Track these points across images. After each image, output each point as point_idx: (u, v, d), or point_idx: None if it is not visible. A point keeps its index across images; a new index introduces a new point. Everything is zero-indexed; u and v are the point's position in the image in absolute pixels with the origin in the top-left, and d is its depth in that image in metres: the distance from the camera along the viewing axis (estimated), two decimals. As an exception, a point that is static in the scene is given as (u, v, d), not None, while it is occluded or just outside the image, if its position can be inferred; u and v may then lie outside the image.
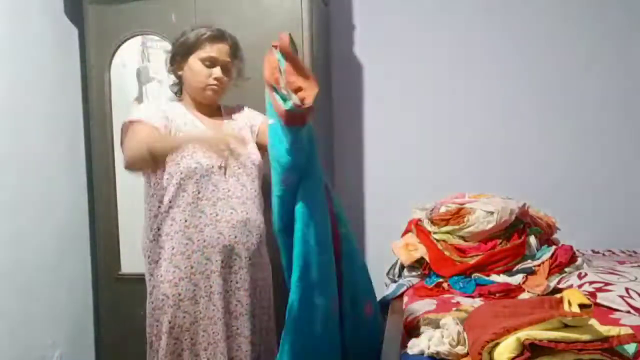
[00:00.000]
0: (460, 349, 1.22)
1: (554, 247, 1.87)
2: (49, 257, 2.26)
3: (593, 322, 1.05)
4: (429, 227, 1.95)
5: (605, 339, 1.03)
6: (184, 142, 1.59)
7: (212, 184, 1.67)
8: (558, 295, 1.18)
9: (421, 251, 1.93)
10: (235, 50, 1.75)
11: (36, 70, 2.21)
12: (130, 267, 2.41)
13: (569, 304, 1.10)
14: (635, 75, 2.51)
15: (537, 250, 1.86)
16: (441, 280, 1.82)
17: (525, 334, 1.04)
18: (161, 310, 1.71)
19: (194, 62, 1.70)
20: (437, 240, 1.90)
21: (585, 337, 1.03)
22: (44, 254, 2.23)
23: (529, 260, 1.81)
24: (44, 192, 2.23)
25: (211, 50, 1.70)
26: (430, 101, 2.66)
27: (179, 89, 1.82)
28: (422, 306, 1.62)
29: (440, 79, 2.64)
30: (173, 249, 1.68)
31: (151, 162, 1.52)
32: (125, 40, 2.33)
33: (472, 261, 1.81)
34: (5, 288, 2.02)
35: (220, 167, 1.68)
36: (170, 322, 1.69)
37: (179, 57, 1.73)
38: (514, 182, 2.46)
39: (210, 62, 1.70)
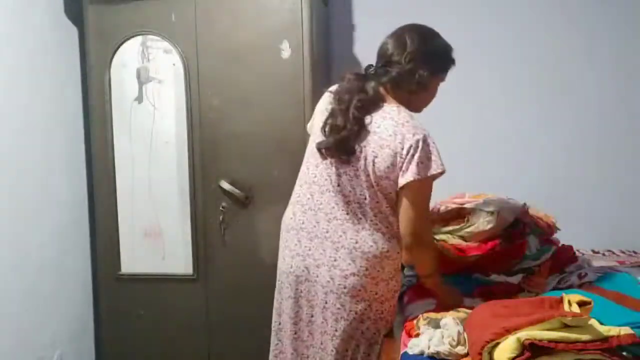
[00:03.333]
0: (460, 349, 1.23)
1: (554, 247, 1.86)
2: (49, 257, 2.26)
3: (593, 322, 1.06)
4: (429, 227, 1.94)
5: (605, 339, 1.03)
6: (430, 281, 1.62)
7: None
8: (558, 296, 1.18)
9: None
10: None
11: (36, 70, 2.21)
12: (130, 267, 2.42)
13: (569, 304, 1.10)
14: (636, 74, 2.51)
15: (537, 250, 1.86)
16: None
17: (525, 334, 1.04)
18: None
19: (437, 84, 1.66)
20: (437, 241, 1.90)
21: (585, 337, 1.03)
22: (44, 254, 2.23)
23: (529, 260, 1.81)
24: (44, 192, 2.23)
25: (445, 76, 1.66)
26: (433, 102, 2.65)
27: (394, 83, 1.58)
28: (422, 306, 1.62)
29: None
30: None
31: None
32: (125, 40, 2.33)
33: (472, 260, 1.81)
34: (5, 288, 2.02)
35: None
36: None
37: (435, 74, 1.61)
38: (514, 182, 2.46)
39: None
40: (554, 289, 1.67)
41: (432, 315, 1.45)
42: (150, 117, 2.36)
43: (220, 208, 2.31)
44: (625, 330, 1.05)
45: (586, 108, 2.55)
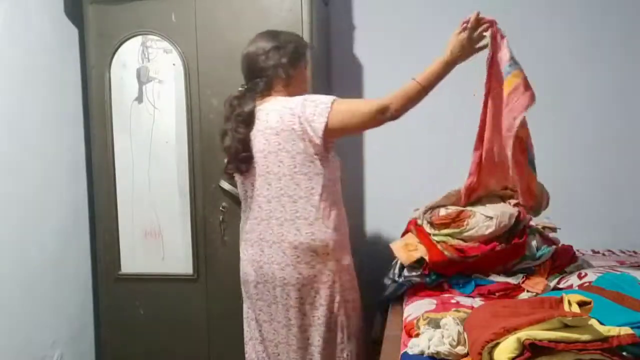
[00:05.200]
0: (460, 349, 1.22)
1: (554, 247, 1.86)
2: (49, 257, 2.26)
3: (593, 322, 1.05)
4: (428, 229, 1.95)
5: (605, 339, 1.03)
6: (451, 65, 1.75)
7: None
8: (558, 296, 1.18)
9: (421, 251, 1.93)
10: None
11: (36, 70, 2.21)
12: (130, 267, 2.42)
13: (569, 303, 1.10)
14: (636, 74, 2.51)
15: (537, 250, 1.86)
16: (441, 280, 1.82)
17: (525, 334, 1.04)
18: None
19: (304, 70, 1.84)
20: (437, 242, 1.90)
21: (585, 337, 1.02)
22: (44, 254, 2.23)
23: (529, 260, 1.81)
24: (44, 192, 2.23)
25: (307, 59, 1.87)
26: (430, 101, 2.65)
27: (269, 85, 1.79)
28: (422, 306, 1.62)
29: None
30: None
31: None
32: (125, 40, 2.33)
33: (472, 260, 1.81)
34: (5, 288, 2.03)
35: None
36: None
37: (294, 61, 1.79)
38: (514, 182, 2.46)
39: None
40: (554, 289, 1.67)
41: (432, 315, 1.45)
42: (150, 117, 2.36)
43: (220, 208, 2.31)
44: (625, 330, 1.05)
45: (586, 108, 2.55)
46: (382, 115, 1.66)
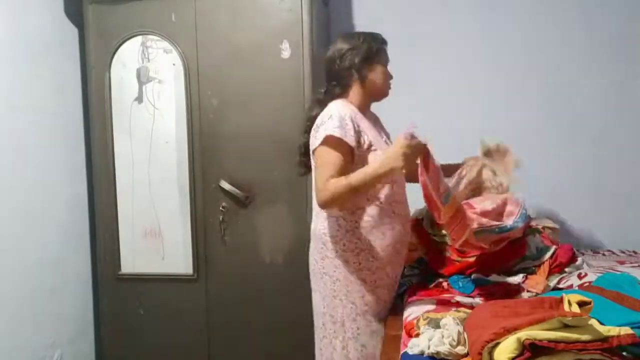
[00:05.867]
0: (460, 349, 1.22)
1: (554, 247, 1.86)
2: (49, 257, 2.26)
3: (593, 322, 1.06)
4: (429, 229, 1.95)
5: (605, 339, 1.03)
6: (383, 174, 1.61)
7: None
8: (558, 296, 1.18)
9: (421, 251, 1.93)
10: None
11: (36, 70, 2.21)
12: (130, 267, 2.42)
13: (569, 303, 1.10)
14: (636, 74, 2.51)
15: (537, 250, 1.86)
16: (441, 280, 1.82)
17: (526, 334, 1.04)
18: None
19: (381, 67, 1.80)
20: (437, 242, 1.90)
21: (585, 337, 1.03)
22: (44, 254, 2.23)
23: (529, 260, 1.81)
24: (44, 192, 2.23)
25: (387, 56, 1.84)
26: (430, 101, 2.65)
27: (345, 87, 1.77)
28: (422, 306, 1.62)
29: (441, 79, 2.64)
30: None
31: (350, 199, 1.64)
32: (125, 40, 2.33)
33: (472, 260, 1.81)
34: (5, 288, 2.03)
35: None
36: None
37: (366, 61, 1.76)
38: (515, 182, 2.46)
39: (387, 66, 1.84)
40: (554, 289, 1.67)
41: (432, 315, 1.45)
42: (150, 117, 2.36)
43: (220, 208, 2.31)
44: (625, 330, 1.05)
45: (587, 108, 2.55)
46: (319, 195, 1.63)
